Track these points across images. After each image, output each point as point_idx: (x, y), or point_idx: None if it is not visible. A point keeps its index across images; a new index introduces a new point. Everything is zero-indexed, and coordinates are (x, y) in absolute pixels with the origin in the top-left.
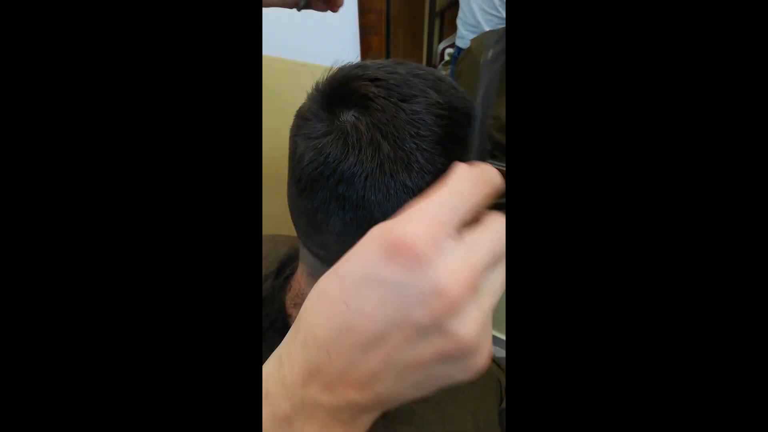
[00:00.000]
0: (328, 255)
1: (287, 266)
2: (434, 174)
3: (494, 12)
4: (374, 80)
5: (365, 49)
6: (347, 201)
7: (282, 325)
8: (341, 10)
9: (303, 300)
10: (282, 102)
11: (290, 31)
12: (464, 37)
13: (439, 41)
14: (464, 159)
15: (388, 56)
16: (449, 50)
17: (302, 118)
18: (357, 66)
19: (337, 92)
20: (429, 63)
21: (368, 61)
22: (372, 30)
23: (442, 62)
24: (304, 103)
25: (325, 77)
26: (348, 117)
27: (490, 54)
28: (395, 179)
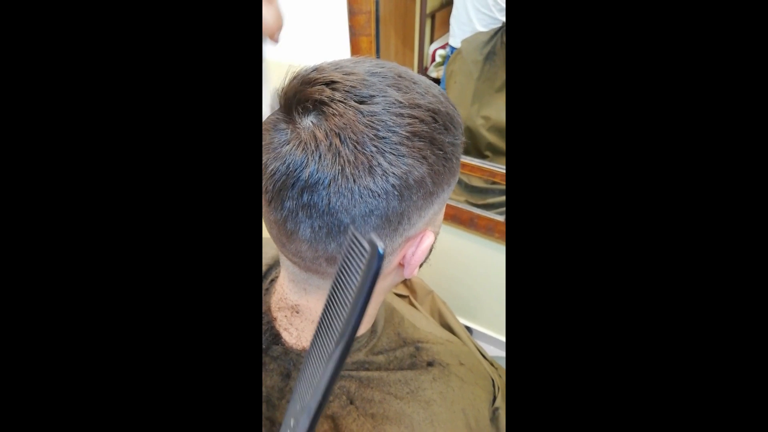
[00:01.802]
0: (304, 262)
1: (273, 269)
2: (400, 176)
3: (487, 12)
4: (330, 83)
5: (355, 50)
6: (313, 209)
7: (267, 329)
8: (331, 11)
9: (286, 304)
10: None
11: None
12: (457, 36)
13: (431, 42)
14: (429, 161)
15: (377, 57)
16: (440, 51)
17: (264, 129)
18: (314, 69)
19: (294, 99)
20: (420, 64)
21: (326, 63)
22: (361, 31)
23: (434, 63)
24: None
25: (284, 84)
26: (306, 123)
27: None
28: (358, 183)
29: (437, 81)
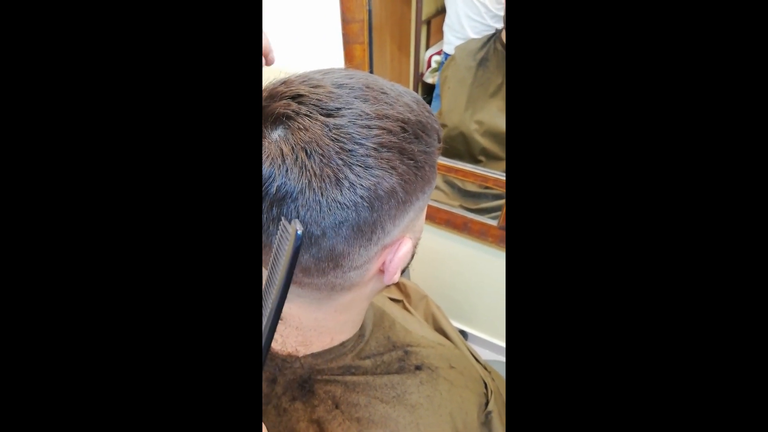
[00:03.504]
0: None
1: None
2: (368, 187)
3: (479, 19)
4: (296, 97)
5: (349, 58)
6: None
7: None
8: (324, 19)
9: None
10: None
11: (273, 40)
12: (451, 42)
13: (426, 48)
14: (398, 171)
15: (371, 64)
16: (436, 57)
17: None
18: (282, 82)
19: (264, 112)
20: (416, 70)
21: (295, 75)
22: (355, 39)
23: (429, 69)
24: None
25: None
26: (274, 137)
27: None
28: (326, 196)
29: (432, 87)
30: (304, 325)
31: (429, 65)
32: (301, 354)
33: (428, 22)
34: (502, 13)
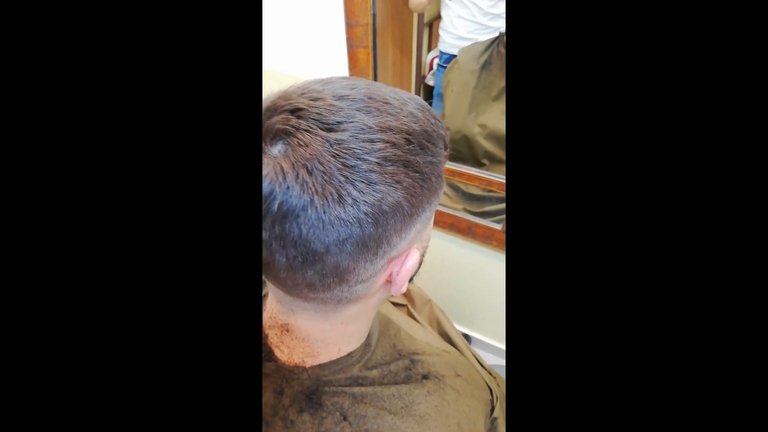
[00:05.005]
0: (286, 288)
1: (265, 284)
2: (372, 203)
3: (471, 18)
4: (295, 111)
5: (353, 61)
6: (286, 239)
7: None
8: (329, 23)
9: (276, 323)
10: None
11: (278, 44)
12: (445, 41)
13: (428, 51)
14: (404, 185)
15: (375, 68)
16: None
17: None
18: (280, 95)
19: (263, 127)
20: (418, 73)
21: (293, 86)
22: (359, 43)
23: (431, 71)
24: None
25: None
26: (274, 153)
27: None
28: (328, 214)
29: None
30: (311, 337)
31: (431, 67)
32: (308, 365)
33: (430, 25)
34: (495, 10)
